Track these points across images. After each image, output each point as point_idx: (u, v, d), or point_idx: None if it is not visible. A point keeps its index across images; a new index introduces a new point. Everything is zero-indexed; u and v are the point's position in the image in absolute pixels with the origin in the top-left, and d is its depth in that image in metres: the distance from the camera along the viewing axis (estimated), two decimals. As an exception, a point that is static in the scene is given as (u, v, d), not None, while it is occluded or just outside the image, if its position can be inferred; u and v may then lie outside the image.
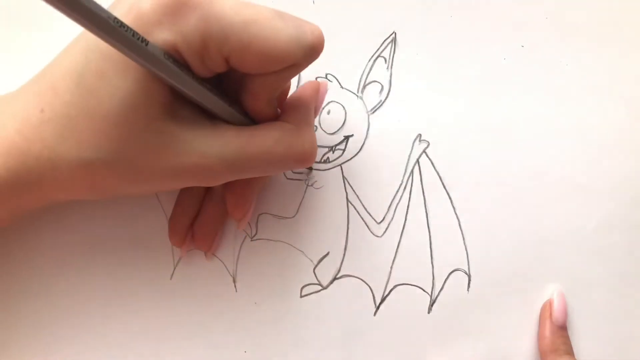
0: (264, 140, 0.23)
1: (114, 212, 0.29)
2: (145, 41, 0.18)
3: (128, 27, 0.18)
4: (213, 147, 0.22)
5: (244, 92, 0.23)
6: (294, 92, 0.27)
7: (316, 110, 0.28)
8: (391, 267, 0.30)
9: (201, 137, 0.22)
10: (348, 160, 0.30)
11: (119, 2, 0.21)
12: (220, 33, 0.20)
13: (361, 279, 0.30)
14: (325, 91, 0.29)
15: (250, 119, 0.24)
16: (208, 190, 0.28)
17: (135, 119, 0.21)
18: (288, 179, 0.30)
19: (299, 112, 0.25)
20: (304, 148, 0.24)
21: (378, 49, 0.30)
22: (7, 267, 0.29)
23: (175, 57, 0.20)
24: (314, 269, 0.30)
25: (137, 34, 0.18)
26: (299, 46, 0.21)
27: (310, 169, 0.30)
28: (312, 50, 0.22)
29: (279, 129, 0.24)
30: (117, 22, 0.17)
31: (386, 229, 0.30)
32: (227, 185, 0.27)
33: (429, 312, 0.30)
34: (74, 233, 0.29)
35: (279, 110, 0.26)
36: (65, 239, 0.29)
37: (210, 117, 0.23)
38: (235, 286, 0.29)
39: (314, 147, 0.25)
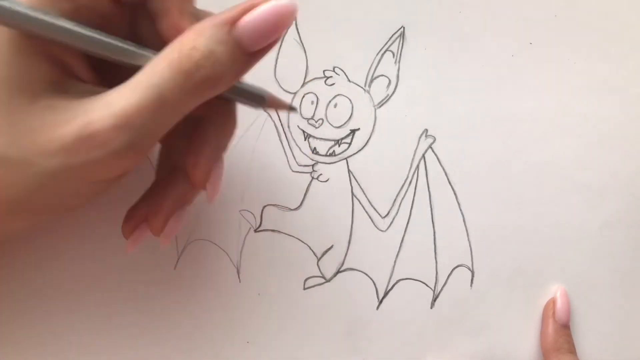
0: (153, 67, 0.19)
1: (117, 202, 0.29)
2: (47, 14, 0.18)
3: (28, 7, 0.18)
4: (100, 102, 0.19)
5: (157, 19, 0.21)
6: None
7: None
8: (395, 262, 0.30)
9: (88, 103, 0.19)
10: (354, 154, 0.30)
11: None
12: None
13: (365, 273, 0.30)
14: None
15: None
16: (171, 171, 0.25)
17: (18, 99, 0.19)
18: (293, 171, 0.30)
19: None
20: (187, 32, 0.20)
21: (386, 43, 0.30)
22: (8, 259, 0.29)
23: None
24: (318, 262, 0.30)
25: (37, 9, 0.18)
26: None
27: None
28: None
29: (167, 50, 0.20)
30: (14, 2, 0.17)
31: (390, 223, 0.30)
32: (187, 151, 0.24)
33: (431, 308, 0.30)
34: (76, 221, 0.29)
35: None
36: (67, 227, 0.29)
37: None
38: (238, 277, 0.29)
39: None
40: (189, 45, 0.19)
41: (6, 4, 0.17)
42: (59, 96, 0.19)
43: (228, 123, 0.24)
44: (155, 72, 0.19)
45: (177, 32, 0.20)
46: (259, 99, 0.24)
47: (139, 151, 0.20)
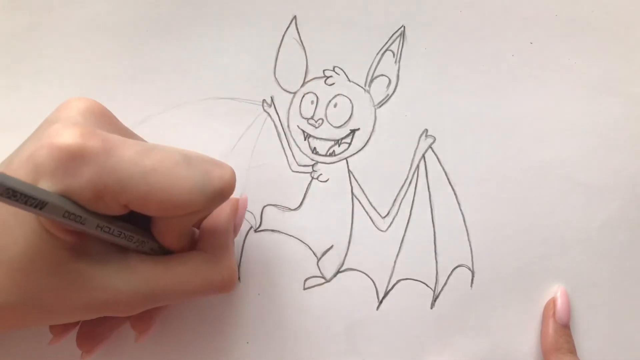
0: (178, 272, 0.23)
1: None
2: (41, 205, 0.18)
3: (21, 194, 0.18)
4: (127, 281, 0.22)
5: (153, 228, 0.23)
6: (211, 215, 0.26)
7: (236, 229, 0.27)
8: (395, 262, 0.30)
9: (114, 272, 0.22)
10: (354, 154, 0.30)
11: (21, 149, 0.22)
12: (116, 185, 0.20)
13: (365, 273, 0.30)
14: (245, 207, 0.29)
15: (164, 248, 0.24)
16: None
17: (40, 265, 0.21)
18: (293, 171, 0.30)
19: (216, 237, 0.25)
20: (222, 276, 0.24)
21: (386, 43, 0.30)
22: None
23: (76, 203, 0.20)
24: (318, 262, 0.30)
25: (33, 198, 0.18)
26: (202, 194, 0.21)
27: None
28: (218, 196, 0.22)
29: (195, 259, 0.24)
30: (10, 192, 0.18)
31: (391, 223, 0.30)
32: None
33: (431, 308, 0.30)
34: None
35: (196, 231, 0.26)
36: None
37: (123, 248, 0.23)
38: (239, 277, 0.29)
39: (232, 274, 0.25)
40: (228, 279, 0.25)
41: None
42: (78, 261, 0.21)
43: None
44: (192, 274, 0.24)
45: (174, 249, 0.24)
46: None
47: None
